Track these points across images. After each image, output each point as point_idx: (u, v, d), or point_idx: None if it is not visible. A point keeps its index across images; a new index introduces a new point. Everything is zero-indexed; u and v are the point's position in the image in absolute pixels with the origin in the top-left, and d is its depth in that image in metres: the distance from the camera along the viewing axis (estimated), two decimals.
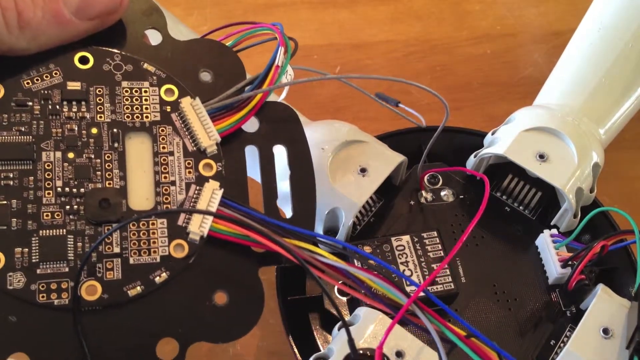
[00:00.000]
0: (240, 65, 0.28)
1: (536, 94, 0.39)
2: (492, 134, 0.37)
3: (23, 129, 0.24)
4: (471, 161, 0.36)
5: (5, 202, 0.24)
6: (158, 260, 0.24)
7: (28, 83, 0.25)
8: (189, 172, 0.25)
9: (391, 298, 0.23)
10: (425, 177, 0.37)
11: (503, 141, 0.35)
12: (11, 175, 0.24)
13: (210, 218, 0.24)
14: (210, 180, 0.26)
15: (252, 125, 0.27)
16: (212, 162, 0.26)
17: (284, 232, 0.25)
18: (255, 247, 0.25)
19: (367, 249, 0.33)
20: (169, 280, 0.24)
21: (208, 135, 0.26)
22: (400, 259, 0.32)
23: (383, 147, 0.35)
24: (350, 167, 0.33)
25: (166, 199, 0.25)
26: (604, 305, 0.30)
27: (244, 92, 0.27)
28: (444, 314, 0.24)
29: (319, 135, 0.34)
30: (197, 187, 0.25)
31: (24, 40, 0.24)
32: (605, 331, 0.29)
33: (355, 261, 0.32)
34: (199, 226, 0.24)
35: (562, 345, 0.32)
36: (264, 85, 0.27)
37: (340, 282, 0.24)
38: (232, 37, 0.29)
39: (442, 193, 0.37)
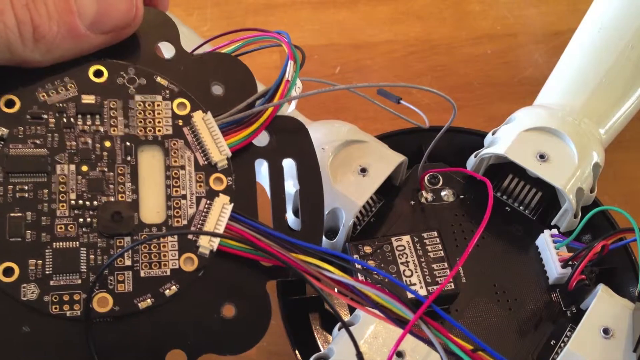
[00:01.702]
0: (251, 79, 0.28)
1: (536, 94, 0.39)
2: (493, 134, 0.37)
3: (38, 142, 0.24)
4: (471, 161, 0.36)
5: (20, 214, 0.24)
6: (168, 273, 0.24)
7: (43, 96, 0.25)
8: (200, 186, 0.26)
9: (397, 313, 0.23)
10: (426, 177, 0.37)
11: (503, 141, 0.35)
12: (26, 188, 0.24)
13: (220, 232, 0.25)
14: (220, 194, 0.26)
15: (262, 139, 0.27)
16: (222, 176, 0.26)
17: (291, 246, 0.25)
18: (264, 261, 0.25)
19: (367, 249, 0.33)
20: (178, 293, 0.24)
21: (219, 149, 0.26)
22: (401, 259, 0.32)
23: (383, 147, 0.35)
24: (350, 167, 0.33)
25: (177, 212, 0.25)
26: (604, 305, 0.30)
27: (254, 106, 0.27)
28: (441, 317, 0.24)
29: (320, 135, 0.34)
30: (208, 202, 0.25)
31: (38, 53, 0.24)
32: (606, 331, 0.29)
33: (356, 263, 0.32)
34: (208, 240, 0.25)
35: (562, 345, 0.32)
36: (275, 99, 0.27)
37: (336, 289, 0.24)
38: (237, 42, 0.29)
39: (443, 193, 0.37)
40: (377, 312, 0.24)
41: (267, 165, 0.27)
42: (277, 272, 0.26)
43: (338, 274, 0.24)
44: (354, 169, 0.33)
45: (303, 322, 0.33)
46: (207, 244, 0.25)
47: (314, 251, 0.25)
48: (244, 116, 0.27)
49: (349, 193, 0.32)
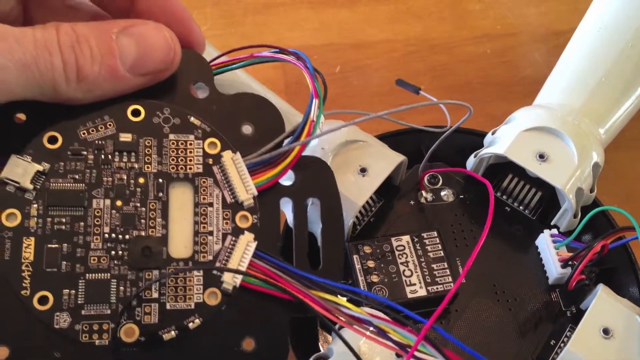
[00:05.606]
0: (280, 120, 0.28)
1: (536, 94, 0.39)
2: (492, 133, 0.37)
3: (77, 177, 0.26)
4: (471, 161, 0.36)
5: (57, 245, 0.25)
6: (192, 306, 0.25)
7: (84, 133, 0.26)
8: (226, 223, 0.26)
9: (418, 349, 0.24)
10: (425, 177, 0.37)
11: (503, 141, 0.35)
12: (64, 221, 0.25)
13: (243, 269, 0.26)
14: (245, 232, 0.26)
15: (287, 178, 0.28)
16: (248, 214, 0.27)
17: (312, 284, 0.26)
18: (285, 297, 0.26)
19: (367, 249, 0.33)
20: (201, 326, 0.25)
21: (246, 188, 0.27)
22: (400, 259, 0.32)
23: (383, 147, 0.35)
24: (350, 167, 0.33)
25: (203, 248, 0.26)
26: (604, 305, 0.30)
27: (281, 145, 0.28)
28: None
29: None
30: (233, 238, 0.26)
31: (80, 92, 0.25)
32: (606, 331, 0.29)
33: (355, 260, 0.32)
34: (232, 276, 0.25)
35: (562, 345, 0.32)
36: (300, 139, 0.28)
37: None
38: (255, 57, 0.29)
39: (442, 193, 0.37)
40: (388, 342, 0.24)
41: (292, 204, 0.28)
42: (298, 308, 0.26)
43: (356, 311, 0.25)
44: (354, 169, 0.33)
45: (303, 322, 0.33)
46: (230, 280, 0.25)
47: (332, 288, 0.26)
48: (271, 157, 0.27)
49: (348, 193, 0.32)
